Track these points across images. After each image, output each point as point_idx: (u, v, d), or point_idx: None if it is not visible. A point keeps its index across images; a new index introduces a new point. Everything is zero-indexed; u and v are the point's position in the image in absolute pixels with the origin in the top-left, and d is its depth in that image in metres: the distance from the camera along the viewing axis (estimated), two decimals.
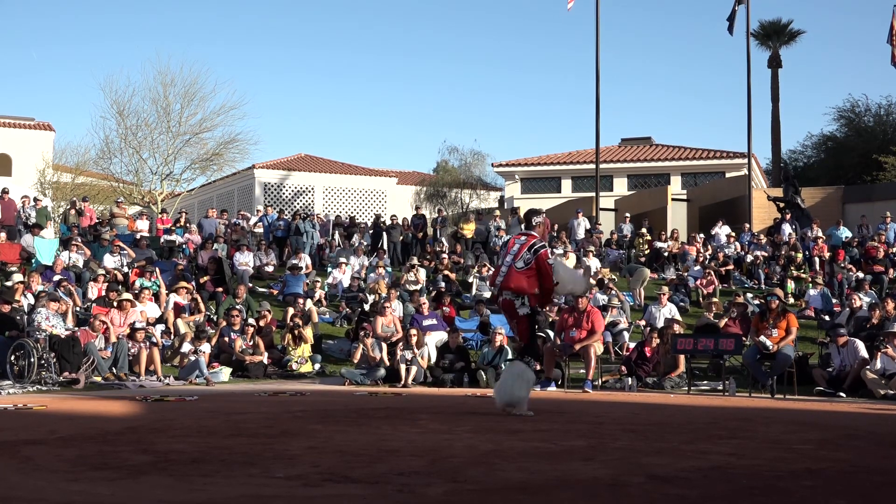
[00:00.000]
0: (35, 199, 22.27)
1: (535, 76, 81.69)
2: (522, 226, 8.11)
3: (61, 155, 37.02)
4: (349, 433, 6.44)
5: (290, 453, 5.28)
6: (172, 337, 14.40)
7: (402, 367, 12.69)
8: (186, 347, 13.34)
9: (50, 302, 12.80)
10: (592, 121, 26.39)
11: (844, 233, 21.80)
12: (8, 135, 34.91)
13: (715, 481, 4.43)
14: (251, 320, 14.49)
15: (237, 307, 15.05)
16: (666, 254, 20.83)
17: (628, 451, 5.47)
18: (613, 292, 16.30)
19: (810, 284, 17.22)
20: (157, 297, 15.74)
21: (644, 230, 22.68)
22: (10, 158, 34.70)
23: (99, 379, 12.22)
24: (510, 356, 8.52)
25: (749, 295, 16.80)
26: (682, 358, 12.39)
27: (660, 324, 14.00)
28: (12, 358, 11.59)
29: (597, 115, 26.24)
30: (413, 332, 13.35)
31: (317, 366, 14.10)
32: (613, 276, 18.28)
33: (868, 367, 11.39)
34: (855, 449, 5.86)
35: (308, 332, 14.28)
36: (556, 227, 24.07)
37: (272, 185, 34.78)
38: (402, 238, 22.61)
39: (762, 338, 11.39)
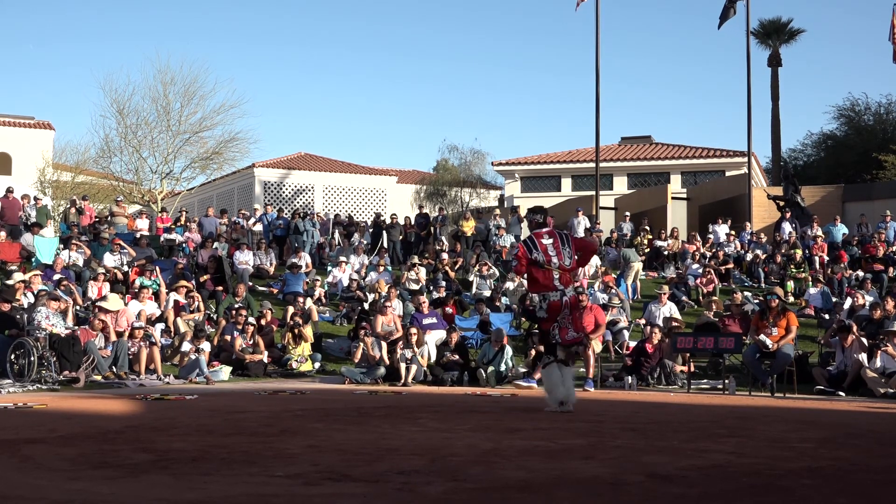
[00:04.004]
0: (35, 199, 22.25)
1: (534, 75, 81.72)
2: (539, 219, 8.53)
3: (61, 154, 37.01)
4: (349, 432, 6.44)
5: (289, 452, 5.28)
6: (172, 336, 14.39)
7: (403, 365, 12.70)
8: (186, 346, 13.34)
9: (50, 301, 12.80)
10: (592, 119, 26.41)
11: (842, 230, 21.80)
12: (8, 133, 34.86)
13: (715, 480, 4.44)
14: (251, 319, 14.49)
15: (235, 306, 15.06)
16: (666, 253, 20.84)
17: (628, 450, 5.47)
18: (613, 291, 16.30)
19: (810, 283, 17.22)
20: (157, 295, 15.74)
21: (647, 227, 22.71)
22: (10, 157, 34.66)
23: (99, 378, 12.22)
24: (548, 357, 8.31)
25: (748, 294, 16.80)
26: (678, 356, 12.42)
27: (659, 322, 14.00)
28: (12, 357, 11.59)
29: (597, 114, 26.24)
30: (413, 330, 13.34)
31: (317, 364, 14.10)
32: (605, 268, 18.35)
33: (868, 365, 11.39)
34: (855, 447, 5.86)
35: (308, 331, 14.28)
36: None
37: (272, 184, 34.77)
38: (401, 237, 22.61)
39: (762, 336, 11.38)
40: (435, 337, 14.25)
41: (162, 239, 20.76)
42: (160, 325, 14.55)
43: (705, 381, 12.69)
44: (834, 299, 16.57)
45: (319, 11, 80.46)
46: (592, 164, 27.57)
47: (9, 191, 21.42)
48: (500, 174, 36.08)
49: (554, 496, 3.97)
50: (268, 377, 13.47)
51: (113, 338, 12.97)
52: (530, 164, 35.09)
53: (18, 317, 12.83)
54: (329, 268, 19.65)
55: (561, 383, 8.06)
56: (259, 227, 22.53)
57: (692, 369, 12.34)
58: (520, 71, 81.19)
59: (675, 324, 13.94)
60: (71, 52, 73.55)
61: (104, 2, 72.71)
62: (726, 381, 11.65)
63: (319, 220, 23.49)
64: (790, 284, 17.93)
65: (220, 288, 16.86)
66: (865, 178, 33.60)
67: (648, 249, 21.35)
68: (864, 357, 11.53)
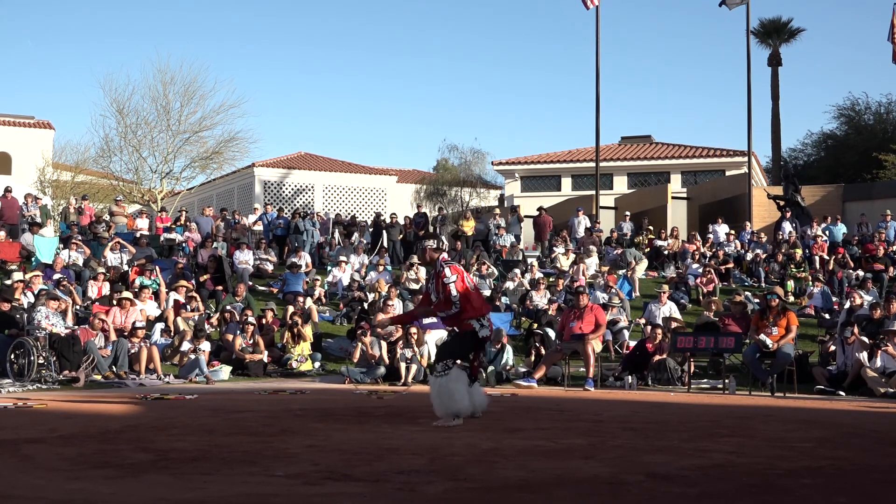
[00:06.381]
0: (35, 198, 22.27)
1: (535, 74, 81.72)
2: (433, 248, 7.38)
3: (61, 153, 37.07)
4: (349, 431, 6.44)
5: (289, 451, 5.28)
6: (172, 335, 14.40)
7: (403, 365, 12.70)
8: (186, 346, 13.35)
9: (50, 300, 12.80)
10: (592, 119, 26.44)
11: (842, 229, 21.81)
12: (8, 133, 34.88)
13: (715, 479, 4.43)
14: (251, 318, 14.49)
15: (228, 306, 15.10)
16: (666, 252, 20.86)
17: (628, 450, 5.47)
18: (613, 290, 16.31)
19: (810, 283, 17.22)
20: (157, 295, 15.75)
21: (650, 227, 22.80)
22: (10, 157, 34.69)
23: (99, 377, 12.22)
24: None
25: (748, 294, 16.79)
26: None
27: (659, 322, 13.99)
28: (12, 356, 11.59)
29: (597, 114, 26.25)
30: (413, 330, 13.34)
31: (317, 364, 14.10)
32: (607, 267, 18.48)
33: (868, 365, 11.39)
34: (855, 447, 5.86)
35: (307, 331, 14.28)
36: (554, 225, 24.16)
37: (272, 184, 34.77)
38: (401, 236, 22.61)
39: (762, 336, 11.38)
40: (435, 336, 14.23)
41: (162, 238, 20.75)
42: (160, 325, 14.55)
43: (705, 380, 12.69)
44: (834, 299, 16.58)
45: (319, 11, 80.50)
46: (592, 164, 27.57)
47: (7, 190, 21.45)
48: (500, 174, 36.08)
49: (554, 496, 3.97)
50: (268, 377, 13.47)
51: (113, 337, 12.98)
52: (530, 164, 35.09)
53: (18, 316, 12.84)
54: (329, 267, 19.64)
55: (468, 393, 6.96)
56: (259, 227, 22.55)
57: (692, 369, 12.35)
58: (520, 71, 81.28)
59: (676, 324, 13.94)
60: (71, 51, 73.61)
61: (104, 2, 72.74)
62: (726, 381, 11.65)
63: (319, 219, 23.49)
64: (790, 284, 17.94)
65: (220, 287, 16.87)
66: (865, 178, 33.60)
67: (648, 249, 21.39)
68: (864, 356, 11.54)
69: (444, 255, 7.43)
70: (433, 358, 13.42)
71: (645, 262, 19.47)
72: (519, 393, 10.96)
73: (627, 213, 24.93)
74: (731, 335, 11.97)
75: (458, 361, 7.14)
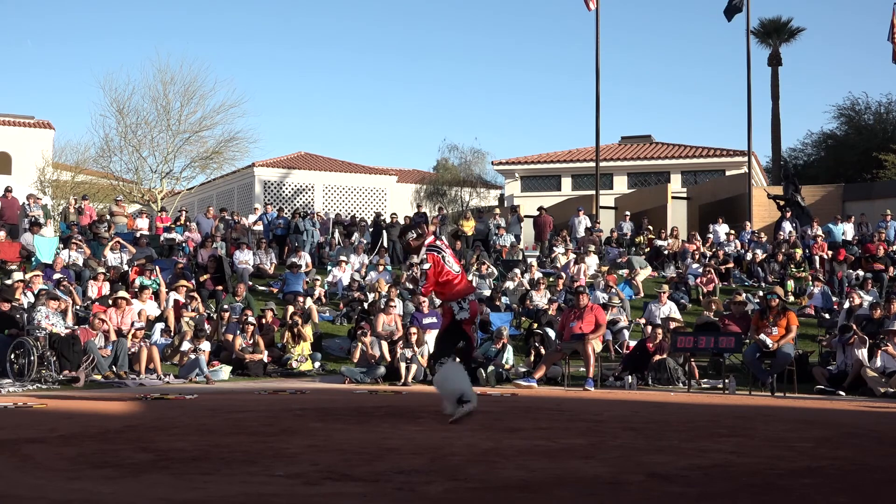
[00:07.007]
0: (36, 199, 22.26)
1: (535, 74, 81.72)
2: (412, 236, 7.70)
3: (61, 153, 37.07)
4: (349, 431, 6.44)
5: (289, 451, 5.28)
6: (173, 335, 14.40)
7: (403, 365, 12.70)
8: (186, 346, 13.35)
9: (50, 300, 12.80)
10: (592, 119, 26.45)
11: (842, 229, 21.81)
12: (8, 133, 34.89)
13: (715, 479, 4.43)
14: (251, 318, 14.49)
15: (225, 307, 15.10)
16: (666, 252, 20.87)
17: (628, 450, 5.47)
18: (613, 290, 16.31)
19: (810, 283, 17.22)
20: (157, 295, 15.74)
21: (649, 227, 22.83)
22: (10, 157, 34.69)
23: (99, 377, 12.22)
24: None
25: (748, 294, 16.79)
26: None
27: (659, 322, 13.99)
28: (12, 356, 11.59)
29: (597, 113, 26.25)
30: (413, 330, 13.34)
31: (317, 364, 14.10)
32: (606, 268, 18.49)
33: (868, 364, 11.39)
34: (855, 447, 5.86)
35: (307, 331, 14.28)
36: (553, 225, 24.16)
37: (272, 184, 34.76)
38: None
39: (762, 336, 11.38)
40: (435, 336, 14.24)
41: (162, 238, 20.76)
42: (160, 325, 14.55)
43: (705, 380, 12.70)
44: (834, 299, 16.59)
45: (319, 11, 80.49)
46: (592, 164, 27.57)
47: (7, 190, 21.46)
48: (500, 174, 36.08)
49: (554, 496, 3.97)
50: (268, 377, 13.47)
51: (113, 337, 12.98)
52: (530, 164, 35.08)
53: (18, 316, 12.83)
54: (329, 267, 19.65)
55: (466, 375, 7.14)
56: (259, 227, 22.56)
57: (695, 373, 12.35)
58: (520, 71, 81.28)
59: (676, 324, 13.94)
60: (71, 51, 73.61)
61: (104, 2, 72.75)
62: (726, 381, 11.65)
63: (319, 219, 23.50)
64: (790, 284, 17.94)
65: (220, 287, 16.87)
66: (865, 178, 33.61)
67: (649, 249, 21.40)
68: (864, 354, 11.53)
69: (431, 238, 7.58)
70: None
71: (648, 269, 19.44)
72: (519, 393, 10.96)
73: (627, 212, 24.94)
74: (731, 335, 11.96)
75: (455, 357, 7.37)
